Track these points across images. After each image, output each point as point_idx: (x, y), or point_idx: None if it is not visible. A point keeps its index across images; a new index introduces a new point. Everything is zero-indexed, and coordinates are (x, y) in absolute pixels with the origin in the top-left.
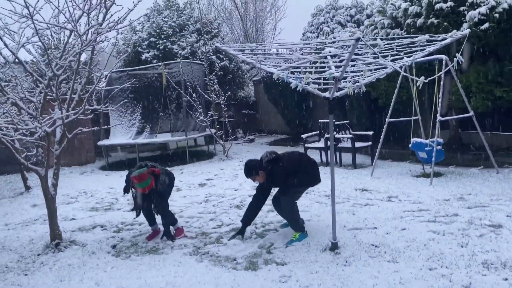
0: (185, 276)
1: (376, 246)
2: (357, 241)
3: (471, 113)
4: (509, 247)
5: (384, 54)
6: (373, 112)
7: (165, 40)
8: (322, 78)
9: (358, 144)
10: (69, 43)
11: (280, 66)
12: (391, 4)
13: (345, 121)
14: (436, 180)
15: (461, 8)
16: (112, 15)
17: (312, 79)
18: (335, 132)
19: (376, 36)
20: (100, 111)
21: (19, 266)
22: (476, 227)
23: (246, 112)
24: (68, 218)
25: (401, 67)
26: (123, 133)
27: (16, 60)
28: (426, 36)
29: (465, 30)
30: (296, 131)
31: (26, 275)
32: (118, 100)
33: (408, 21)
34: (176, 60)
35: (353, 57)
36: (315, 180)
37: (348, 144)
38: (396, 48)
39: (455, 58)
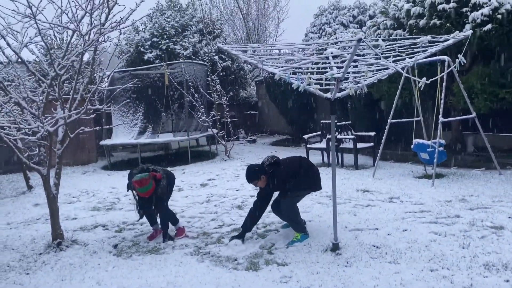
0: (186, 276)
1: (377, 247)
2: (358, 242)
3: (474, 114)
4: (510, 248)
5: (386, 55)
6: (375, 113)
7: (167, 40)
8: (324, 79)
9: (360, 145)
10: (71, 43)
11: (282, 67)
12: (394, 5)
13: (347, 122)
14: (438, 181)
15: (464, 9)
16: (114, 15)
17: (314, 79)
18: (337, 133)
19: (379, 37)
20: (102, 111)
21: (21, 265)
22: (478, 228)
23: (248, 112)
24: (70, 217)
25: (403, 68)
26: (125, 133)
27: (19, 60)
28: (428, 37)
29: (467, 31)
30: (298, 132)
31: (27, 274)
32: (120, 100)
33: (411, 22)
34: (179, 60)
35: (355, 58)
36: (316, 184)
37: (350, 145)
38: (398, 49)
39: (457, 59)
